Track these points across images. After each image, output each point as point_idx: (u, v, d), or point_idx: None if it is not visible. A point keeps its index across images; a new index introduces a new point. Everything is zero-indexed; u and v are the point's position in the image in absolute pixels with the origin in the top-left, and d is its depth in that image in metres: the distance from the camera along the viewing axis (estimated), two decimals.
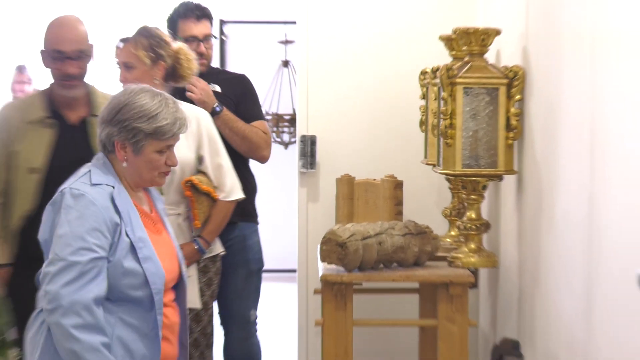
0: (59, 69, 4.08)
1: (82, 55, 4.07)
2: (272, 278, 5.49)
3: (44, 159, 4.07)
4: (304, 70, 5.85)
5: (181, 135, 4.29)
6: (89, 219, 3.16)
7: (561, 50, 4.08)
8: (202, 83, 5.02)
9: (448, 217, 5.20)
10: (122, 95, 3.35)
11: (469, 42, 4.70)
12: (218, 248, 4.92)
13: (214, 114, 5.05)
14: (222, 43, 10.54)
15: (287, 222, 5.86)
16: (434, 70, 4.89)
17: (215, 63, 5.35)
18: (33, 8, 10.97)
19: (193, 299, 4.53)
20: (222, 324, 5.46)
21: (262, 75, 7.95)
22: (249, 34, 10.51)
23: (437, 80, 4.76)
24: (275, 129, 9.39)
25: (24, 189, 4.02)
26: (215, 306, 5.09)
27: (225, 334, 5.45)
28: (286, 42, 9.88)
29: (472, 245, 4.82)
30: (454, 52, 4.87)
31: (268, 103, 9.20)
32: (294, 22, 5.91)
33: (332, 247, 4.48)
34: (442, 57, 4.93)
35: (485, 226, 4.87)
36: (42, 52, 4.11)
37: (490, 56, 4.78)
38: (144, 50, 4.57)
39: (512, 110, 4.64)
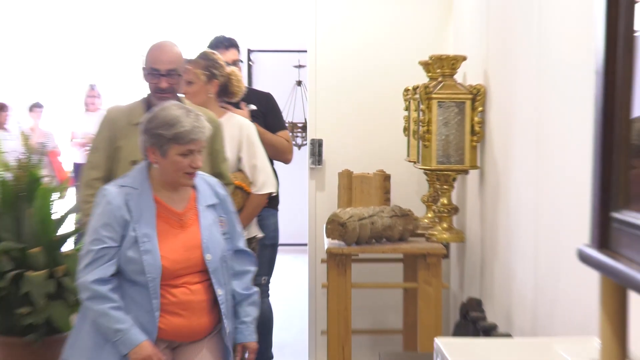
0: (154, 84, 4.05)
1: (173, 73, 4.02)
2: (288, 250, 5.47)
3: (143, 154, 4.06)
4: (313, 88, 5.84)
5: (226, 140, 4.30)
6: (104, 216, 3.17)
7: (514, 72, 4.08)
8: (244, 112, 4.99)
9: (425, 203, 5.19)
10: (154, 110, 3.33)
11: (442, 66, 4.70)
12: (253, 232, 4.86)
13: None
14: (250, 67, 10.55)
15: (300, 207, 5.84)
16: (415, 88, 4.88)
17: (244, 83, 5.31)
18: (101, 37, 10.95)
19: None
20: None
21: (280, 92, 7.95)
22: (270, 60, 10.50)
23: (417, 96, 4.76)
24: (290, 134, 9.42)
25: None
26: None
27: None
28: (299, 66, 9.84)
29: (445, 225, 4.83)
30: (430, 74, 4.86)
31: (285, 114, 9.17)
32: (305, 51, 5.89)
33: (335, 226, 4.48)
34: (420, 77, 4.92)
35: (454, 210, 4.88)
36: (143, 69, 4.09)
37: (458, 77, 4.77)
38: (201, 70, 4.58)
39: (476, 119, 4.63)
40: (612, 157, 1.40)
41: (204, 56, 4.66)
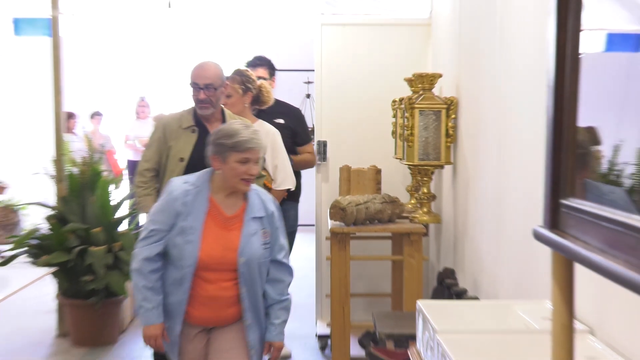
0: (195, 95, 4.03)
1: (210, 87, 3.98)
2: (299, 230, 5.45)
3: (189, 153, 4.02)
4: (319, 100, 5.82)
5: None
6: (163, 203, 3.09)
7: (480, 86, 4.07)
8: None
9: (409, 192, 5.17)
10: (222, 125, 3.26)
11: (422, 82, 4.69)
12: None
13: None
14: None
15: (309, 194, 5.83)
16: (400, 100, 4.86)
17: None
18: (150, 57, 10.96)
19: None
20: None
21: (293, 103, 7.93)
22: (286, 77, 10.44)
23: (402, 106, 4.74)
24: None
25: (174, 171, 3.95)
26: None
27: None
28: (308, 82, 9.81)
29: (425, 209, 4.82)
30: (413, 88, 4.84)
31: None
32: (313, 70, 5.87)
33: (337, 211, 4.48)
34: (405, 91, 4.90)
35: (432, 197, 4.86)
36: (190, 83, 4.07)
37: (435, 90, 4.75)
38: (238, 84, 4.57)
39: (450, 124, 4.62)
40: (560, 155, 1.40)
41: (239, 73, 4.65)
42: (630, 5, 1.46)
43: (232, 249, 3.06)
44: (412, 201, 4.97)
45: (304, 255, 6.87)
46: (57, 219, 5.44)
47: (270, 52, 5.46)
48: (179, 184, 3.12)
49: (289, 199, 5.20)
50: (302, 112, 5.60)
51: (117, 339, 5.53)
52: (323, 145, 5.79)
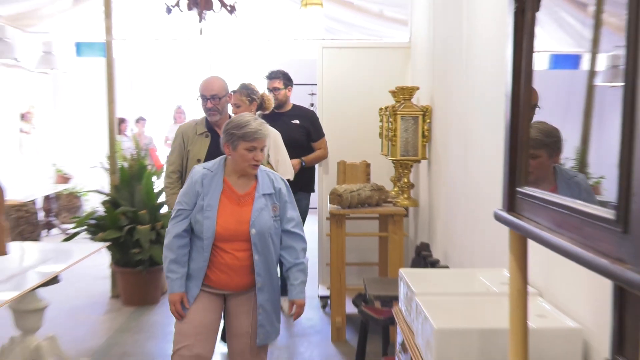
0: (204, 105, 4.01)
1: (216, 97, 3.95)
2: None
3: (204, 154, 4.00)
4: (320, 108, 5.79)
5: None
6: (187, 187, 2.96)
7: (449, 96, 4.05)
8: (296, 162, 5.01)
9: (393, 181, 5.15)
10: (233, 117, 3.08)
11: (403, 93, 4.67)
12: None
13: (303, 165, 5.09)
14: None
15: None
16: (386, 108, 4.84)
17: (290, 102, 5.30)
18: (185, 71, 10.93)
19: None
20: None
21: None
22: (294, 89, 10.52)
23: (387, 112, 4.73)
24: None
25: None
26: None
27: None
28: (312, 94, 9.81)
29: (405, 195, 4.80)
30: (396, 98, 4.82)
31: None
32: (316, 84, 5.85)
33: (335, 196, 4.47)
34: (389, 101, 4.88)
35: (411, 186, 4.85)
36: (199, 95, 4.04)
37: (414, 100, 4.73)
38: (245, 96, 4.54)
39: (425, 127, 4.60)
40: (516, 151, 1.38)
41: (245, 87, 4.59)
42: (571, 32, 1.45)
43: (244, 222, 2.92)
44: (395, 189, 4.96)
45: (309, 232, 6.84)
46: (111, 203, 5.44)
47: (282, 69, 5.42)
48: (199, 169, 3.00)
49: (303, 190, 5.18)
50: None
51: (159, 300, 5.53)
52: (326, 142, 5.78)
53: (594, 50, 1.19)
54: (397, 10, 7.13)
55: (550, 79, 1.62)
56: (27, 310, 3.85)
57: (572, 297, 2.14)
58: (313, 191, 5.31)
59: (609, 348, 1.86)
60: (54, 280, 3.71)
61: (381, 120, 5.20)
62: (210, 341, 2.94)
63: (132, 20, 8.36)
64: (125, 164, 5.64)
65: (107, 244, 4.84)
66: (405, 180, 4.80)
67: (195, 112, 10.10)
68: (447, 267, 3.73)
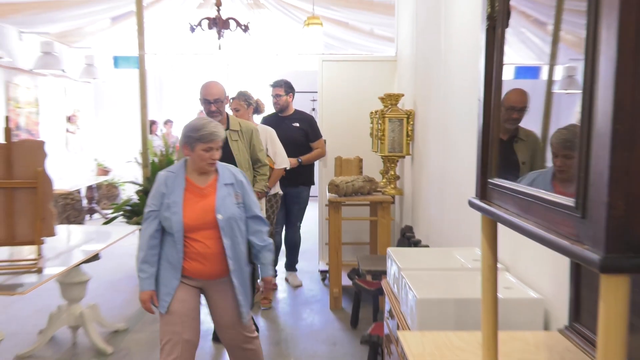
0: (207, 108, 3.92)
1: (218, 101, 3.84)
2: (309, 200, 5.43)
3: None
4: (320, 112, 5.76)
5: (261, 139, 4.03)
6: (153, 190, 2.73)
7: (429, 102, 4.02)
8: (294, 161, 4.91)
9: (382, 174, 5.13)
10: (190, 120, 2.79)
11: (391, 99, 4.64)
12: (276, 189, 4.72)
13: (300, 163, 4.96)
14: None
15: (314, 176, 5.80)
16: (376, 111, 4.82)
17: (292, 108, 5.22)
18: (205, 79, 10.88)
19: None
20: (286, 229, 5.19)
21: None
22: (297, 96, 10.49)
23: (377, 116, 4.70)
24: None
25: None
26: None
27: (286, 230, 5.21)
28: (313, 100, 9.79)
29: (392, 186, 4.78)
30: (384, 104, 4.80)
31: None
32: (316, 92, 5.82)
33: (332, 186, 4.45)
34: (379, 105, 4.86)
35: (397, 177, 4.82)
36: (200, 99, 3.95)
37: (399, 105, 4.71)
38: (243, 102, 4.50)
39: (409, 128, 4.57)
40: (488, 147, 1.36)
41: (242, 93, 4.53)
42: (533, 47, 1.43)
43: (210, 210, 2.67)
44: (384, 180, 4.95)
45: (311, 217, 6.85)
46: (144, 192, 5.41)
47: (287, 79, 5.38)
48: (162, 173, 2.76)
49: (304, 184, 5.14)
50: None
51: None
52: (324, 142, 5.75)
53: (552, 62, 1.17)
54: (385, 29, 7.11)
55: (515, 87, 1.60)
56: (72, 282, 3.84)
57: (535, 272, 2.13)
58: (313, 184, 5.27)
59: (567, 316, 1.85)
60: (95, 257, 3.70)
61: (372, 122, 5.18)
62: (195, 327, 2.74)
63: (162, 37, 8.33)
64: (156, 159, 5.62)
65: (140, 227, 4.82)
66: (392, 172, 4.77)
67: None
68: (427, 246, 3.72)
